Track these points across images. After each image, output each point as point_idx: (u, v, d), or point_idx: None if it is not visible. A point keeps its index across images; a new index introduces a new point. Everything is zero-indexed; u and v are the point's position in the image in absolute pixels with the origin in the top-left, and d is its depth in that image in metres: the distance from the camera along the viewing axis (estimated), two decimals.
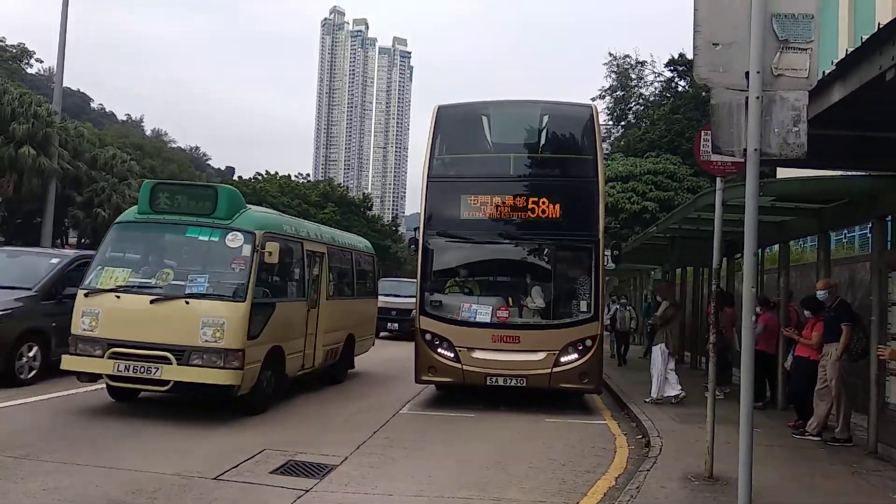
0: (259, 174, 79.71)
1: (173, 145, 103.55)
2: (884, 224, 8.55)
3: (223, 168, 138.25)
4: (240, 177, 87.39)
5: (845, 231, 15.10)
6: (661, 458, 7.27)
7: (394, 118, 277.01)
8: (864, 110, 5.81)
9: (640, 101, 35.41)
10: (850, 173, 8.50)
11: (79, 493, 5.68)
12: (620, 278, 31.53)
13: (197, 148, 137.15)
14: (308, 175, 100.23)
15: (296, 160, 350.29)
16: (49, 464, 6.42)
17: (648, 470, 6.78)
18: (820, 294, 8.72)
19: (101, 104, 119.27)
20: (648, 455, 7.58)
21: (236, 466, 6.69)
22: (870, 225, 9.26)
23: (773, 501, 5.74)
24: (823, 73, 5.26)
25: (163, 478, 6.20)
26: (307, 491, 6.06)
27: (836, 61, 5.15)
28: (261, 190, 72.21)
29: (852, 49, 5.14)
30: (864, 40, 4.93)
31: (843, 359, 8.23)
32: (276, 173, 79.76)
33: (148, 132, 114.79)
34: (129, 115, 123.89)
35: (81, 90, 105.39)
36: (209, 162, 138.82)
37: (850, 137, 6.80)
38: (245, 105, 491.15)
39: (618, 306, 18.45)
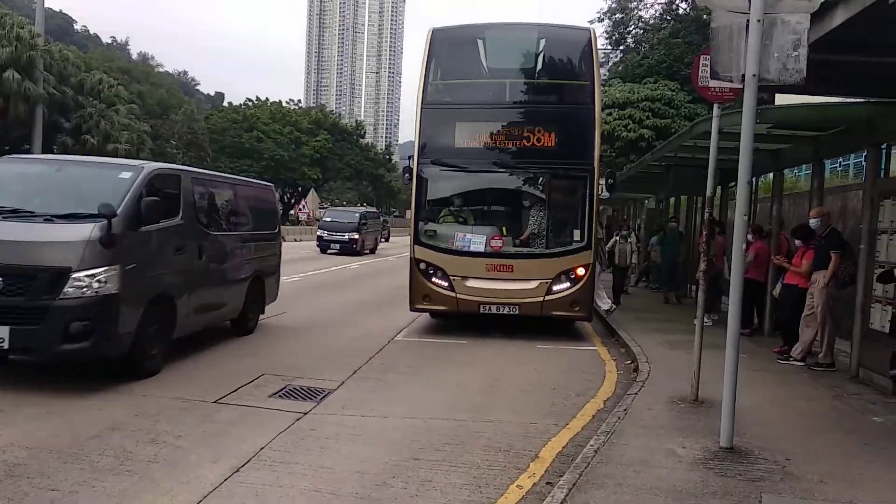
0: (249, 100, 78.29)
1: (161, 70, 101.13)
2: (879, 152, 8.52)
3: (213, 94, 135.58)
4: (230, 103, 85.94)
5: (840, 159, 15.05)
6: (648, 383, 7.48)
7: (387, 41, 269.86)
8: (865, 34, 5.69)
9: (640, 24, 34.48)
10: (848, 100, 8.40)
11: (82, 417, 5.84)
12: (614, 207, 31.53)
13: (185, 73, 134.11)
14: (299, 101, 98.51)
15: (287, 86, 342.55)
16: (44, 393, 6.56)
17: (636, 393, 6.98)
18: (812, 222, 8.77)
19: (84, 26, 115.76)
20: (636, 380, 7.79)
21: (235, 391, 6.86)
22: (865, 153, 9.23)
23: (754, 422, 5.94)
24: None
25: (163, 401, 6.36)
26: (305, 414, 6.24)
27: None
28: (251, 116, 71.13)
29: None
30: None
31: (830, 286, 8.36)
32: (267, 99, 78.30)
33: (134, 56, 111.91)
34: (113, 37, 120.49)
35: (64, 10, 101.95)
36: (198, 87, 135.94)
37: (850, 63, 6.70)
38: (233, 28, 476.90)
39: (617, 238, 15.89)
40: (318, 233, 31.35)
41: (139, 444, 5.23)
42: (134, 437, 5.39)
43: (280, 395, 6.84)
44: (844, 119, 8.62)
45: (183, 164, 61.33)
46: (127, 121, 34.48)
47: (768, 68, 4.81)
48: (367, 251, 32.34)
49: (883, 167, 9.31)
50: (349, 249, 29.86)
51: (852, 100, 8.32)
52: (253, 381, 7.28)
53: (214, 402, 6.48)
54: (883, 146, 8.67)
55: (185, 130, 61.89)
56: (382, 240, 39.78)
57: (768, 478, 4.70)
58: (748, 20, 4.78)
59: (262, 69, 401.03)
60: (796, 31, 4.76)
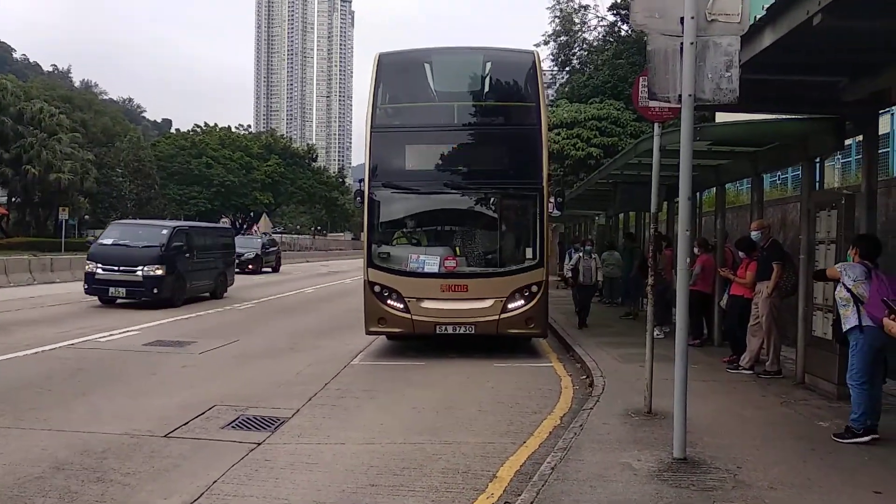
0: (198, 126, 77.27)
1: (105, 97, 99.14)
2: (813, 166, 8.88)
3: (159, 121, 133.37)
4: (177, 129, 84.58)
5: (779, 173, 15.61)
6: (603, 397, 7.57)
7: (336, 66, 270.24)
8: (793, 55, 5.96)
9: (584, 46, 35.35)
10: (782, 117, 8.75)
11: (24, 456, 5.61)
12: (566, 224, 32.00)
13: (130, 100, 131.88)
14: (249, 126, 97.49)
15: (236, 111, 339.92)
16: None
17: (591, 408, 7.06)
18: (753, 234, 9.07)
19: (24, 54, 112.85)
20: (592, 394, 7.88)
21: (186, 423, 6.69)
22: (800, 167, 9.60)
23: (706, 432, 6.06)
24: (755, 18, 5.37)
25: (111, 438, 6.16)
26: (260, 444, 6.12)
27: (766, 6, 5.25)
28: (200, 143, 70.12)
29: None
30: None
31: (774, 296, 8.64)
32: (216, 125, 77.43)
33: (77, 83, 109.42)
34: (55, 65, 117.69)
35: (2, 40, 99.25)
36: (144, 114, 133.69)
37: (781, 82, 7.00)
38: (179, 54, 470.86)
39: (581, 254, 14.66)
40: (87, 267, 17.20)
41: (84, 484, 5.04)
42: (79, 476, 5.20)
43: (233, 426, 6.69)
44: (779, 135, 8.97)
45: (129, 192, 59.55)
46: (70, 150, 33.67)
47: (703, 88, 4.99)
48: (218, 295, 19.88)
49: (818, 180, 9.70)
50: (148, 296, 16.61)
51: (786, 117, 8.66)
52: (204, 412, 7.11)
53: (164, 436, 6.30)
54: (816, 160, 9.04)
55: (130, 158, 60.65)
56: (267, 268, 34.84)
57: (720, 486, 4.80)
58: (682, 43, 4.96)
59: (210, 95, 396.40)
60: (728, 52, 4.96)
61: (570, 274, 14.84)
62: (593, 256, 14.61)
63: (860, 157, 8.81)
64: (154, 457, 5.73)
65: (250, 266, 31.58)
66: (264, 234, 47.95)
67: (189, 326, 13.96)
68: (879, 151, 9.40)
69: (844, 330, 5.98)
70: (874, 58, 6.01)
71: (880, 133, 8.86)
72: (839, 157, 12.55)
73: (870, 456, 5.54)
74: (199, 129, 75.90)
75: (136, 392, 8.11)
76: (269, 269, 35.21)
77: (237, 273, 23.02)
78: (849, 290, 5.87)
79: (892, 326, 3.52)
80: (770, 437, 6.11)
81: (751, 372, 8.87)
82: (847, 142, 10.02)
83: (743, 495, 4.66)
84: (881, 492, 4.70)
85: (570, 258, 16.87)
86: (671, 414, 5.47)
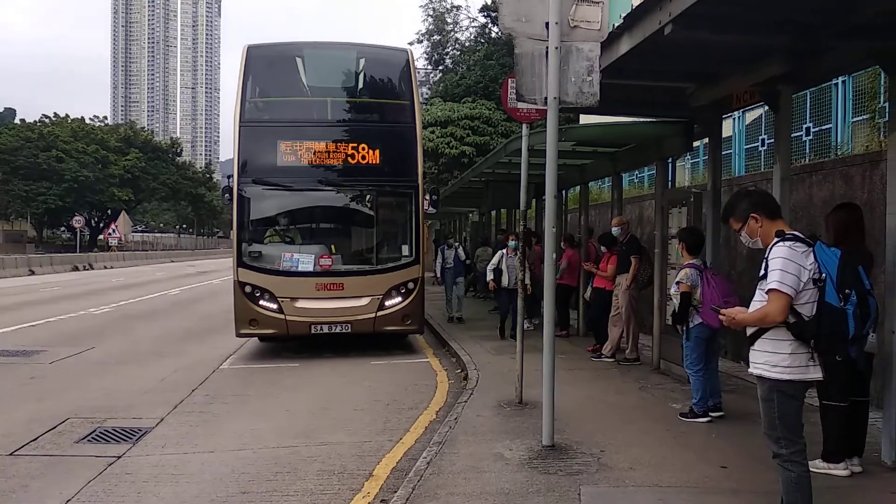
0: (46, 117, 71.22)
1: None
2: (666, 165, 9.53)
3: (2, 110, 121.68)
4: (22, 120, 77.48)
5: (636, 172, 16.64)
6: (477, 390, 7.75)
7: (202, 56, 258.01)
8: (648, 62, 6.36)
9: (457, 46, 36.01)
10: (639, 120, 9.33)
11: None
12: (441, 221, 32.46)
13: None
14: (105, 118, 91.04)
15: (91, 103, 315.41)
16: None
17: (466, 401, 7.21)
18: (614, 230, 9.63)
19: None
20: (466, 387, 8.05)
21: (36, 439, 6.17)
22: (654, 166, 10.27)
23: (573, 419, 6.36)
24: (614, 26, 5.68)
25: None
26: (119, 457, 5.74)
27: (623, 15, 5.57)
28: (49, 135, 64.65)
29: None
30: None
31: (632, 287, 9.21)
32: (67, 116, 71.69)
33: None
34: None
35: None
36: None
37: (637, 86, 7.45)
38: (25, 39, 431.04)
39: (503, 250, 11.68)
40: None
41: None
42: None
43: (89, 440, 6.24)
44: (635, 137, 9.57)
45: None
46: None
47: (567, 91, 5.22)
48: None
49: (670, 179, 10.41)
50: None
51: (642, 119, 9.24)
52: (56, 426, 6.58)
53: (10, 454, 5.77)
54: (669, 160, 9.72)
55: None
56: None
57: (585, 470, 5.05)
58: (547, 47, 5.16)
59: (61, 85, 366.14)
60: (589, 57, 5.22)
61: (491, 276, 11.57)
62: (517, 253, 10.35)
63: (707, 157, 9.56)
64: None
65: None
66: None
67: (37, 334, 12.85)
68: (723, 153, 10.24)
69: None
70: (716, 67, 6.54)
71: (724, 136, 9.65)
72: (689, 157, 13.56)
73: (717, 433, 6.04)
74: (48, 120, 70.00)
75: None
76: None
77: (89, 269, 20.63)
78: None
79: (730, 324, 3.85)
80: (630, 420, 6.51)
81: (612, 360, 9.41)
82: (696, 144, 10.85)
83: (606, 477, 4.93)
84: (727, 466, 5.14)
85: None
86: (541, 403, 5.69)
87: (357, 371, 9.51)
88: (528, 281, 8.20)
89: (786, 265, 3.51)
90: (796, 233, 3.68)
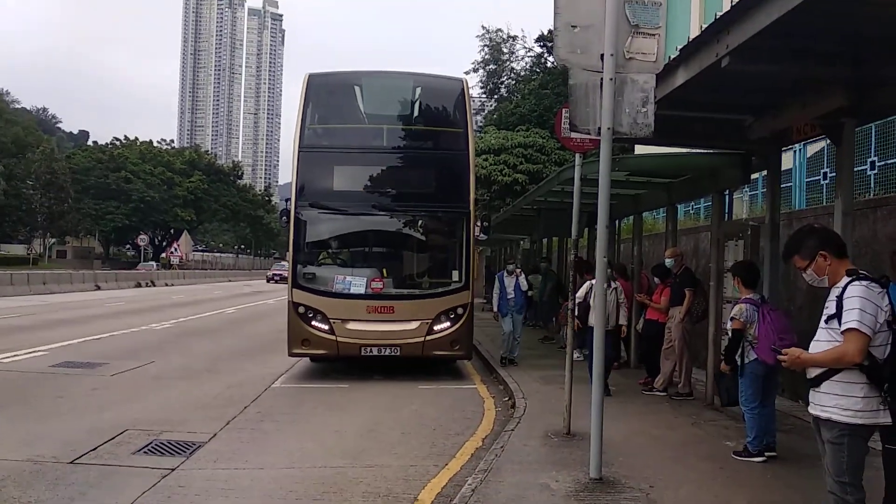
0: (117, 139, 74.58)
1: (16, 106, 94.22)
2: (722, 197, 9.38)
3: (76, 132, 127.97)
4: (95, 142, 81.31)
5: (692, 203, 16.36)
6: (524, 419, 7.70)
7: (265, 83, 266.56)
8: (704, 94, 6.33)
9: (512, 75, 36.31)
10: (694, 151, 9.23)
11: None
12: (492, 248, 32.47)
13: (45, 109, 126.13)
14: (172, 141, 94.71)
15: (159, 127, 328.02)
16: None
17: (513, 430, 7.16)
18: (667, 262, 9.48)
19: None
20: (513, 416, 7.99)
21: (95, 449, 6.40)
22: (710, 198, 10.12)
23: (622, 452, 6.25)
24: (670, 58, 5.68)
25: (12, 465, 5.82)
26: (173, 470, 5.91)
27: (679, 47, 5.57)
28: (119, 156, 67.62)
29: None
30: (704, 28, 5.37)
31: (685, 321, 9.03)
32: (137, 139, 74.91)
33: None
34: None
35: None
36: (59, 125, 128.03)
37: (694, 118, 7.40)
38: (98, 66, 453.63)
39: (592, 281, 8.07)
40: None
41: None
42: None
43: (145, 452, 6.44)
44: (691, 168, 9.45)
45: (41, 206, 56.97)
46: None
47: (621, 122, 5.23)
48: None
49: (727, 211, 10.24)
50: None
51: (698, 151, 9.14)
52: (115, 437, 6.82)
53: (70, 462, 6.00)
54: (725, 192, 9.56)
55: (43, 170, 57.82)
56: None
57: None
58: (602, 78, 5.20)
59: (132, 110, 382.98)
60: (644, 89, 5.23)
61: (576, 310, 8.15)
62: (613, 286, 9.25)
63: (765, 190, 9.37)
64: (58, 485, 5.44)
65: None
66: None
67: (101, 347, 13.36)
68: (782, 186, 10.01)
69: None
70: (775, 99, 6.45)
71: (783, 169, 9.45)
72: (747, 189, 13.29)
73: (772, 474, 5.84)
74: (118, 143, 73.29)
75: (41, 416, 7.70)
76: None
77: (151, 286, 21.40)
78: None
79: (792, 364, 3.74)
80: (681, 457, 6.36)
81: (664, 394, 9.21)
82: (753, 176, 10.64)
83: None
84: None
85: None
86: (589, 434, 5.62)
87: (405, 395, 9.55)
88: (623, 321, 7.73)
89: (864, 305, 3.42)
90: (867, 273, 3.58)
